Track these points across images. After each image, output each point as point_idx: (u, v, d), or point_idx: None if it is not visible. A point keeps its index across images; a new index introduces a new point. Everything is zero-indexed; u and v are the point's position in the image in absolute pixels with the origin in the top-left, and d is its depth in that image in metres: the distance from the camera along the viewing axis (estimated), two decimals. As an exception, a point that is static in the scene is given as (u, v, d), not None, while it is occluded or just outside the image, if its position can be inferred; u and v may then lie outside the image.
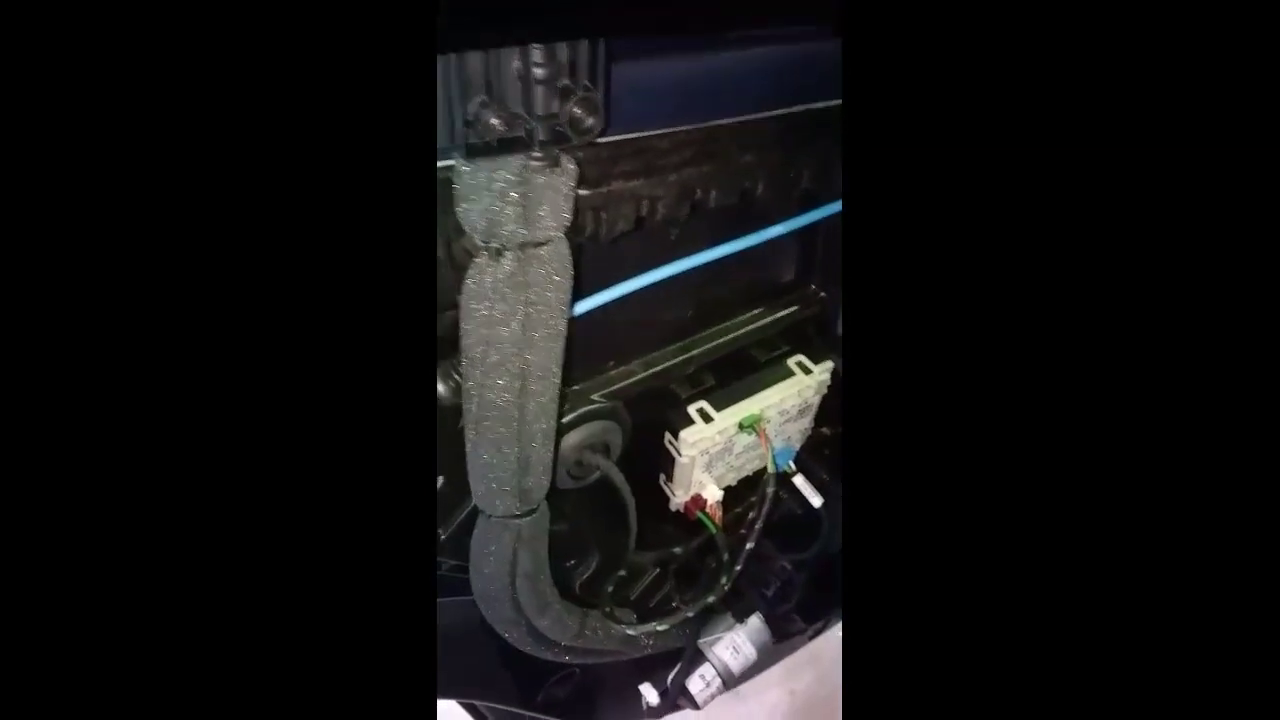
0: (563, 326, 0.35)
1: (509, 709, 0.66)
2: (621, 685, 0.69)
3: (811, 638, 0.69)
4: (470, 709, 0.69)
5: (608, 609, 0.51)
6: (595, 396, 0.49)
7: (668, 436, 0.54)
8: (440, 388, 0.40)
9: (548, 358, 0.35)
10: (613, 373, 0.50)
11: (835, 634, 0.70)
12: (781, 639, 0.63)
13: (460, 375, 0.39)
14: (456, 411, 0.41)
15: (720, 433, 0.54)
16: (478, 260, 0.31)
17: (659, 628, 0.50)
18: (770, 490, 0.57)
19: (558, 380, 0.37)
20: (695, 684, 0.58)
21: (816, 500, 0.62)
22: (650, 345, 0.51)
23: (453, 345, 0.38)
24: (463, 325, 0.33)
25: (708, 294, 0.51)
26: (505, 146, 0.28)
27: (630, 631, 0.50)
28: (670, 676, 0.59)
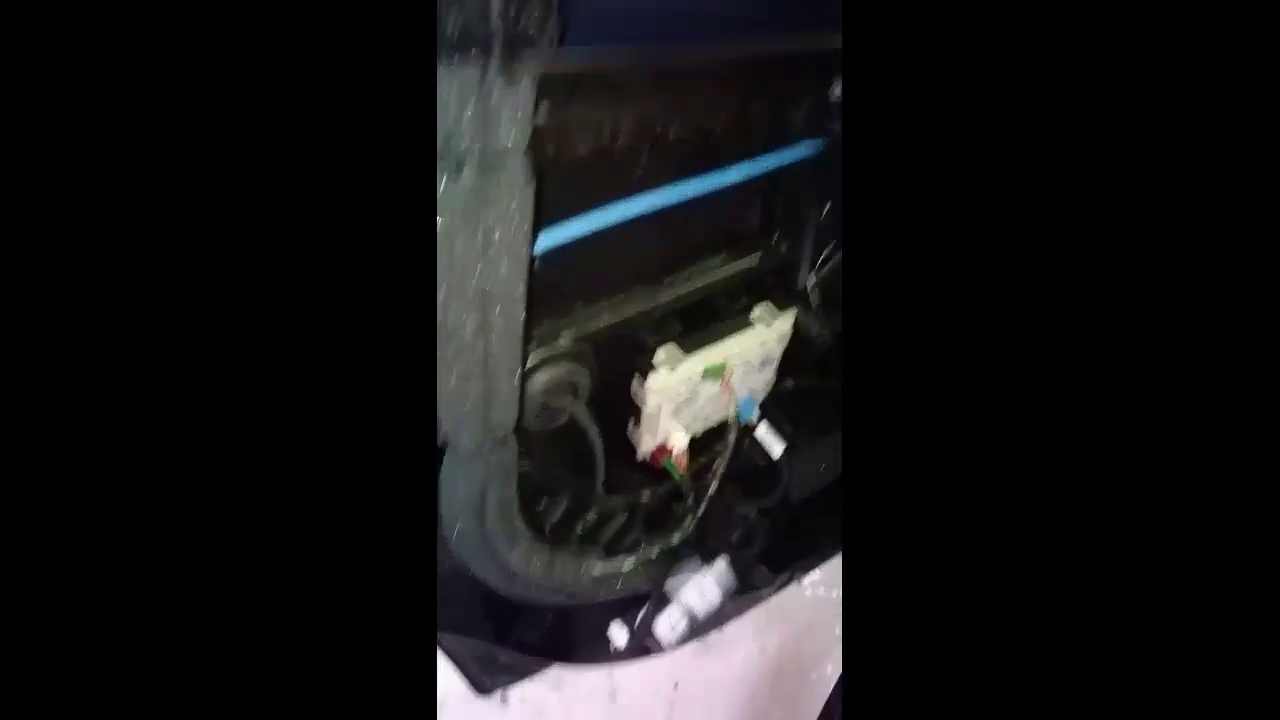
0: (524, 250, 0.36)
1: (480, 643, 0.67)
2: (591, 629, 0.70)
3: (779, 589, 0.71)
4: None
5: (576, 549, 0.52)
6: (563, 337, 0.50)
7: (634, 383, 0.56)
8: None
9: (510, 283, 0.36)
10: (579, 314, 0.51)
11: (804, 590, 0.72)
12: (747, 589, 0.65)
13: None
14: (423, 341, 0.42)
15: (685, 380, 0.56)
16: (442, 177, 0.32)
17: (625, 566, 0.51)
18: (732, 438, 0.58)
19: (521, 309, 0.38)
20: (661, 626, 0.59)
21: (777, 450, 0.64)
22: (616, 288, 0.52)
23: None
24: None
25: (672, 239, 0.52)
26: (462, 51, 0.29)
27: (597, 570, 0.51)
28: (638, 618, 0.61)
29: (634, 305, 0.53)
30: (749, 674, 0.77)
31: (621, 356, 0.55)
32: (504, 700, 0.92)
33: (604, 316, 0.52)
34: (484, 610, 0.64)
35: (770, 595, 0.70)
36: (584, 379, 0.52)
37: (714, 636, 0.70)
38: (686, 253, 0.54)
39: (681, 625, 0.60)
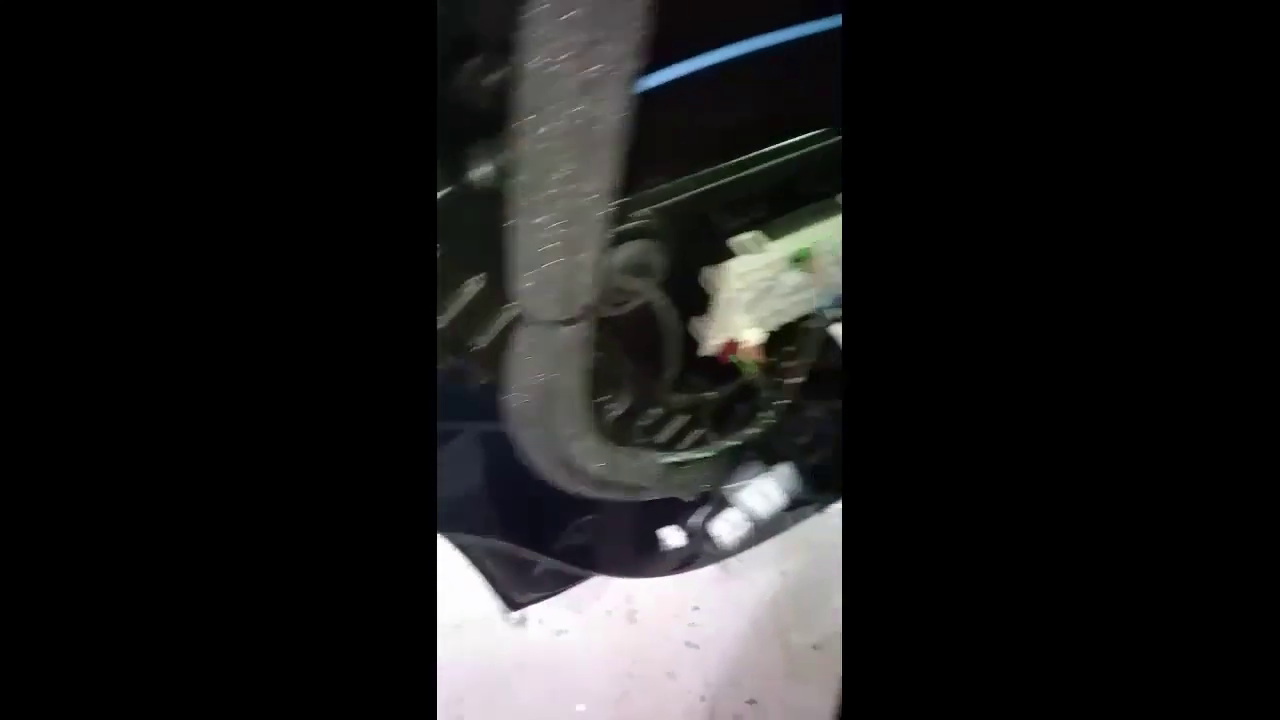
0: (630, 75, 0.30)
1: (518, 550, 0.65)
2: (640, 536, 0.68)
3: (820, 509, 0.68)
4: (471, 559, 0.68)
5: (638, 445, 0.49)
6: (636, 213, 0.44)
7: (704, 271, 0.50)
8: (488, 167, 0.35)
9: (610, 121, 0.31)
10: (656, 189, 0.45)
11: (829, 519, 0.69)
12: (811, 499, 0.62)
13: (504, 156, 0.35)
14: (498, 197, 0.36)
15: (769, 265, 0.50)
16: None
17: (695, 455, 0.48)
18: (813, 334, 0.54)
19: (614, 162, 0.32)
20: (721, 527, 0.57)
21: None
22: (697, 159, 0.46)
23: (500, 120, 0.34)
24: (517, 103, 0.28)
25: (756, 103, 0.46)
26: None
27: (663, 460, 0.47)
28: (691, 520, 0.58)
29: (718, 178, 0.47)
30: (768, 597, 0.77)
31: (697, 237, 0.49)
32: (523, 622, 0.93)
33: (686, 189, 0.46)
34: (529, 513, 0.61)
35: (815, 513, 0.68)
36: (659, 259, 0.47)
37: (734, 563, 0.70)
38: (773, 123, 0.48)
39: (744, 528, 0.57)
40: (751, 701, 1.38)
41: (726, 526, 0.56)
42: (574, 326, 0.39)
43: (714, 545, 0.57)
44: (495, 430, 0.46)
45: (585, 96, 0.29)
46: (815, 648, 1.32)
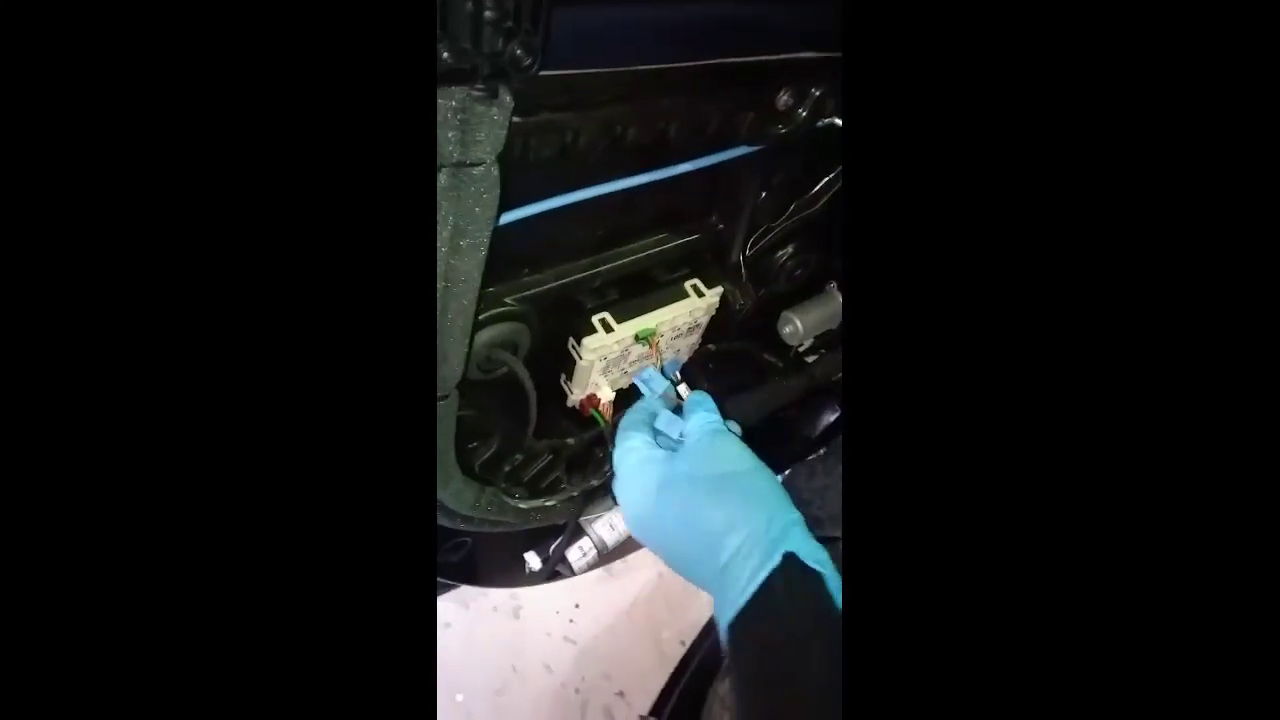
0: (486, 239, 0.39)
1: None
2: (508, 554, 0.77)
3: None
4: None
5: (503, 486, 0.58)
6: (508, 299, 0.54)
7: (571, 340, 0.60)
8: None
9: (470, 265, 0.40)
10: (526, 279, 0.55)
11: None
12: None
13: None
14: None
15: (618, 342, 0.61)
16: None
17: (547, 503, 0.58)
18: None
19: (477, 285, 0.42)
20: (574, 554, 0.67)
21: (695, 408, 0.71)
22: (563, 258, 0.56)
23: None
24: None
25: (619, 216, 0.56)
26: (451, 78, 0.31)
27: (522, 505, 0.57)
28: (552, 547, 0.68)
29: (577, 273, 0.57)
30: (644, 596, 0.86)
31: (563, 316, 0.59)
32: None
33: (549, 282, 0.56)
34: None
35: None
36: (524, 337, 0.57)
37: (617, 565, 0.78)
38: (633, 230, 0.58)
39: (591, 554, 0.68)
40: (620, 694, 1.49)
41: (578, 553, 0.67)
42: (444, 400, 0.48)
43: (567, 568, 0.67)
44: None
45: (452, 248, 0.38)
46: (682, 643, 1.44)
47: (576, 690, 1.51)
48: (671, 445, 0.52)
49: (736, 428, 0.54)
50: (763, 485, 0.45)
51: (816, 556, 0.40)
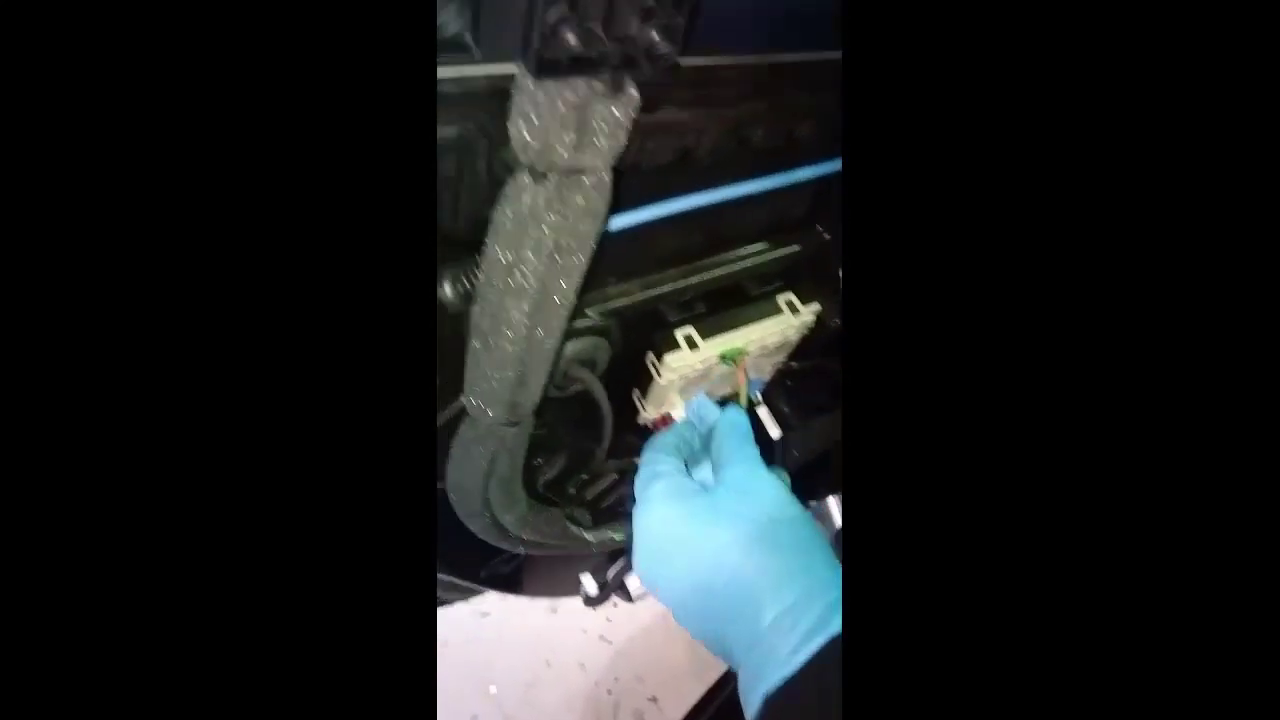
0: (588, 256, 0.34)
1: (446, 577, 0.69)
2: (562, 567, 0.73)
3: None
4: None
5: (568, 511, 0.53)
6: (591, 312, 0.48)
7: (650, 356, 0.55)
8: (447, 290, 0.38)
9: (568, 284, 0.34)
10: (611, 290, 0.49)
11: None
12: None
13: (471, 283, 0.38)
14: (458, 317, 0.39)
15: (702, 360, 0.55)
16: (520, 178, 0.29)
17: (615, 535, 0.52)
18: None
19: (571, 305, 0.36)
20: (634, 581, 0.62)
21: (775, 432, 0.65)
22: (652, 267, 0.50)
23: (466, 249, 0.37)
24: (490, 240, 0.31)
25: (717, 225, 0.50)
26: (575, 66, 0.25)
27: (588, 536, 0.52)
28: (611, 571, 0.63)
29: (667, 285, 0.51)
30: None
31: (645, 329, 0.53)
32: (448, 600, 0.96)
33: (634, 294, 0.50)
34: (456, 546, 0.65)
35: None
36: (604, 354, 0.51)
37: None
38: (730, 239, 0.52)
39: (653, 584, 0.63)
40: (654, 699, 1.46)
41: (638, 582, 0.61)
42: (516, 427, 0.42)
43: (626, 595, 0.62)
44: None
45: (549, 263, 0.32)
46: (720, 652, 1.40)
47: (609, 691, 1.48)
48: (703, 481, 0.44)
49: (782, 474, 0.46)
50: (812, 539, 0.38)
51: None
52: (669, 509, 0.40)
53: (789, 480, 0.45)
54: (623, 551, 0.63)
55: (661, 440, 0.46)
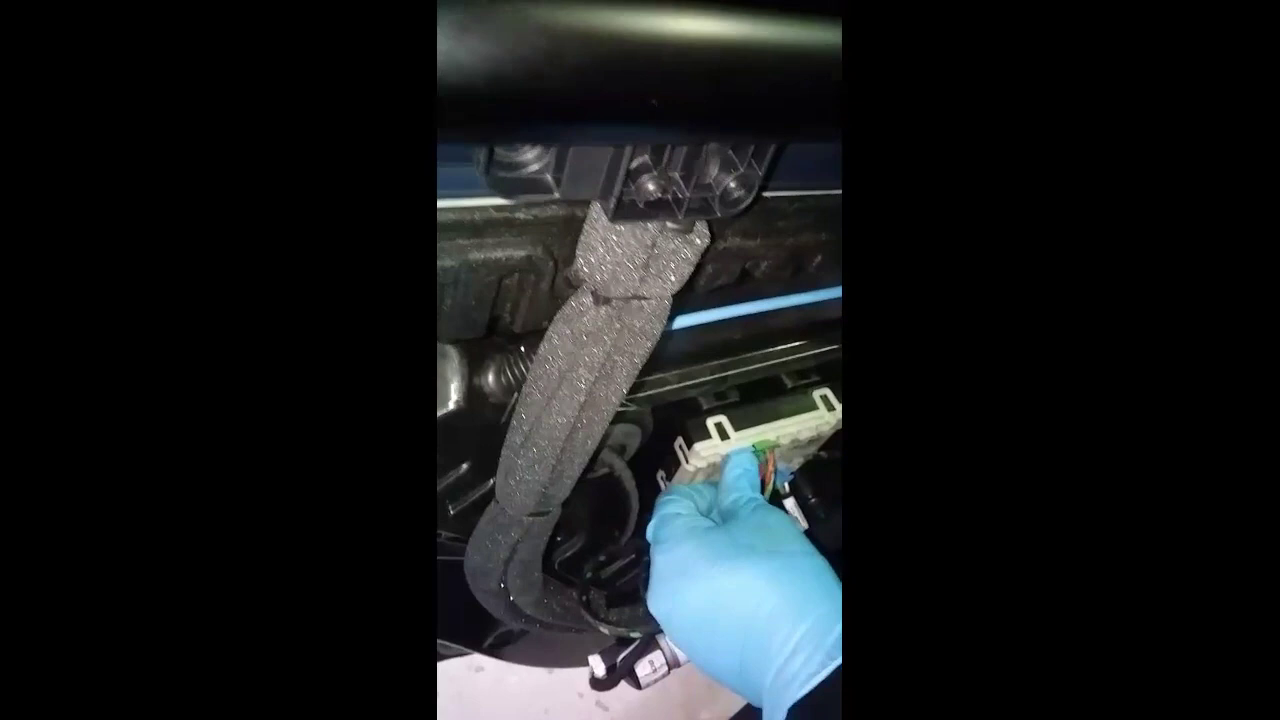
0: (638, 369, 0.34)
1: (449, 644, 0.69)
2: (570, 639, 0.72)
3: None
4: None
5: (585, 598, 0.53)
6: (626, 400, 0.49)
7: (679, 441, 0.55)
8: (490, 379, 0.39)
9: (614, 395, 0.35)
10: (648, 379, 0.50)
11: None
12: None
13: (515, 376, 0.39)
14: (498, 406, 0.40)
15: (731, 449, 0.55)
16: (581, 299, 0.30)
17: (632, 634, 0.52)
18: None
19: (614, 412, 0.37)
20: (643, 668, 0.61)
21: (802, 524, 0.65)
22: (690, 358, 0.51)
23: (512, 339, 0.38)
24: (543, 349, 0.32)
25: (759, 324, 0.50)
26: (651, 210, 0.26)
27: (604, 629, 0.52)
28: (621, 656, 0.62)
29: (704, 376, 0.52)
30: (683, 673, 0.77)
31: (676, 413, 0.54)
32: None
33: (670, 383, 0.50)
34: (462, 617, 0.65)
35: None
36: (635, 441, 0.52)
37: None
38: (769, 337, 0.53)
39: (662, 670, 0.62)
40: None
41: (648, 667, 0.61)
42: (544, 516, 0.43)
43: (635, 683, 0.62)
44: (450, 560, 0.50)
45: (601, 378, 0.33)
46: (718, 726, 1.37)
47: (602, 754, 1.44)
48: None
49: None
50: (821, 570, 0.40)
51: None
52: (689, 545, 0.42)
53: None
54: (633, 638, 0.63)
55: (675, 489, 0.49)
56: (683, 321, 0.41)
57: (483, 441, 0.41)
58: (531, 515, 0.43)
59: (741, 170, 0.27)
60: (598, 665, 0.64)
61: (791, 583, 0.38)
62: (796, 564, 0.40)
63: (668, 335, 0.43)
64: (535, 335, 0.33)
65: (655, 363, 0.50)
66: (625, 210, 0.26)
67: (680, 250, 0.28)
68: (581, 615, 0.54)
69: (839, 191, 0.35)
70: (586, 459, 0.40)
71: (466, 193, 0.26)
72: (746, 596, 0.39)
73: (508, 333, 0.37)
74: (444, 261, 0.26)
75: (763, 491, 0.59)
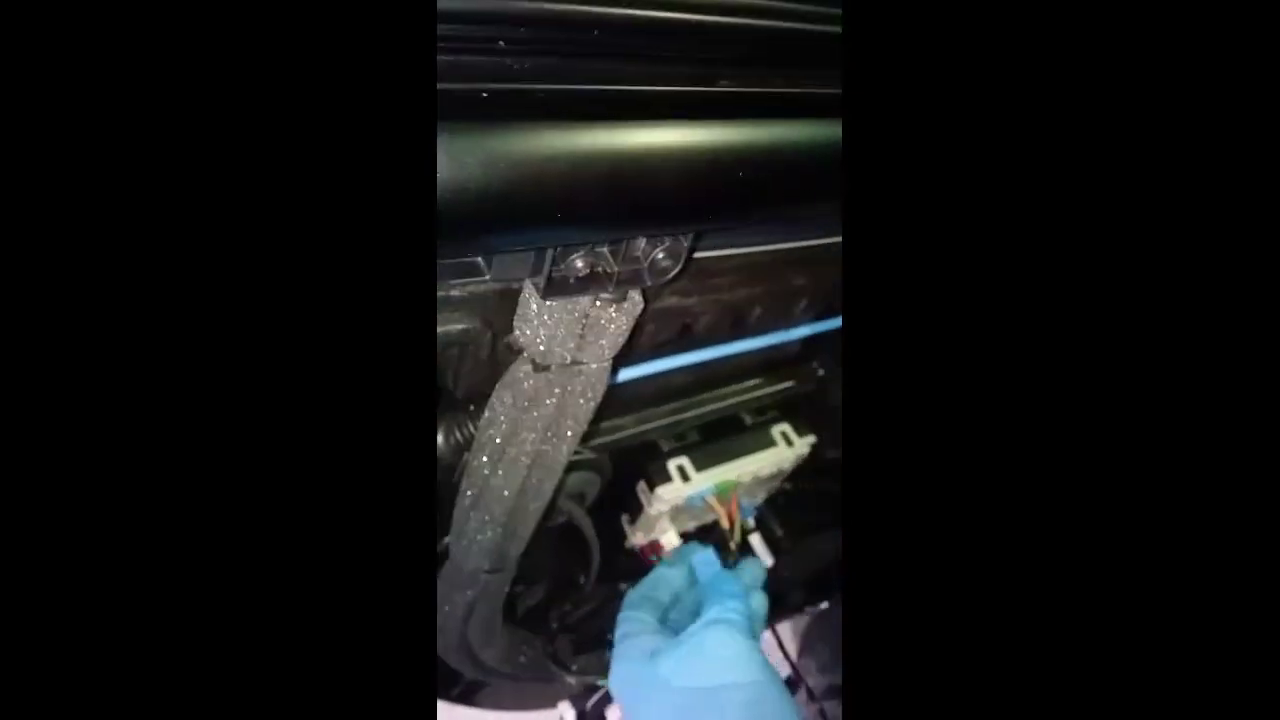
0: (583, 429, 0.35)
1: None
2: (540, 684, 0.72)
3: None
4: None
5: (550, 650, 0.53)
6: (583, 448, 0.49)
7: (642, 484, 0.55)
8: (440, 441, 0.39)
9: (559, 455, 0.35)
10: (605, 425, 0.50)
11: None
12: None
13: (463, 437, 0.39)
14: (448, 467, 0.41)
15: (693, 489, 0.56)
16: (521, 367, 0.30)
17: (598, 683, 0.52)
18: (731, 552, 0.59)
19: (562, 469, 0.37)
20: (614, 713, 0.61)
21: (768, 560, 0.65)
22: (646, 402, 0.51)
23: (462, 403, 0.38)
24: (487, 414, 0.33)
25: (713, 368, 0.51)
26: (582, 285, 0.27)
27: (570, 679, 0.52)
28: (590, 703, 0.62)
29: (661, 419, 0.52)
30: None
31: (636, 458, 0.54)
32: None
33: (628, 428, 0.51)
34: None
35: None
36: (594, 489, 0.52)
37: None
38: (726, 378, 0.53)
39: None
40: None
41: (616, 715, 0.61)
42: (500, 573, 0.43)
43: (604, 728, 0.62)
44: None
45: (541, 442, 0.34)
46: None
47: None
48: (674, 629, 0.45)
49: (762, 607, 0.46)
50: (756, 702, 0.38)
51: None
52: (622, 671, 0.42)
53: (764, 612, 0.46)
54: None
55: (636, 595, 0.47)
56: (633, 373, 0.42)
57: (435, 501, 0.41)
58: (488, 573, 0.43)
59: (668, 243, 0.27)
60: (568, 712, 0.63)
61: (706, 715, 0.37)
62: (714, 701, 0.38)
63: (620, 384, 0.43)
64: (481, 398, 0.34)
65: (611, 408, 0.51)
66: (557, 287, 0.27)
67: (615, 319, 0.29)
68: (548, 666, 0.54)
69: (773, 247, 0.36)
70: (539, 515, 0.40)
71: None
72: None
73: (451, 400, 0.37)
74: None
75: (729, 532, 0.59)
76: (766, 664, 0.40)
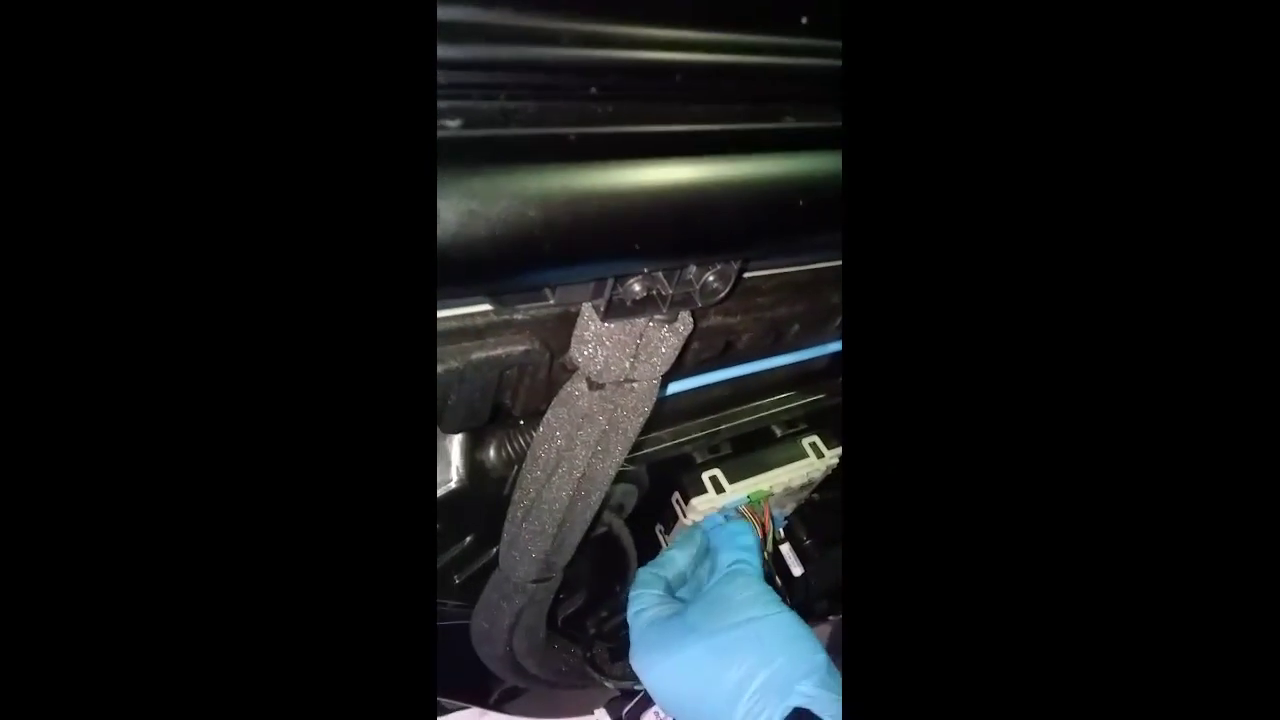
0: (631, 443, 0.36)
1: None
2: (576, 691, 0.73)
3: None
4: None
5: (589, 654, 0.54)
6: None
7: (676, 496, 0.57)
8: (490, 454, 0.41)
9: (611, 467, 0.37)
10: (642, 437, 0.52)
11: None
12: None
13: (515, 450, 0.41)
14: (499, 479, 0.42)
15: (726, 500, 0.57)
16: (576, 385, 0.32)
17: (636, 687, 0.54)
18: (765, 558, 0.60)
19: (610, 482, 0.39)
20: (649, 719, 0.62)
21: (797, 570, 0.66)
22: (683, 415, 0.53)
23: (510, 416, 0.40)
24: (542, 430, 0.34)
25: (746, 381, 0.53)
26: (639, 308, 0.29)
27: (609, 684, 0.53)
28: (626, 708, 0.64)
29: (696, 432, 0.54)
30: None
31: (672, 470, 0.56)
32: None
33: (665, 441, 0.53)
34: (466, 674, 0.66)
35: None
36: (632, 500, 0.53)
37: None
38: (758, 391, 0.55)
39: (668, 722, 0.63)
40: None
41: (653, 718, 0.62)
42: (547, 582, 0.44)
43: (640, 734, 0.63)
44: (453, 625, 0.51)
45: (596, 454, 0.35)
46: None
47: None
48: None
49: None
50: (781, 630, 0.43)
51: (832, 710, 0.38)
52: (650, 634, 0.45)
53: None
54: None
55: (647, 574, 0.51)
56: (674, 387, 0.44)
57: (485, 513, 0.43)
58: (535, 582, 0.44)
59: (719, 266, 0.29)
60: (603, 719, 0.65)
61: (745, 652, 0.41)
62: (753, 630, 0.42)
63: (660, 400, 0.45)
64: (536, 415, 0.35)
65: (649, 423, 0.52)
66: (615, 310, 0.28)
67: (667, 338, 0.31)
68: (586, 672, 0.55)
69: (812, 266, 0.38)
70: (586, 526, 0.41)
71: (469, 301, 0.28)
72: (698, 679, 0.42)
73: (508, 417, 0.39)
74: (450, 364, 0.28)
75: (764, 541, 0.61)
76: (783, 601, 0.45)
